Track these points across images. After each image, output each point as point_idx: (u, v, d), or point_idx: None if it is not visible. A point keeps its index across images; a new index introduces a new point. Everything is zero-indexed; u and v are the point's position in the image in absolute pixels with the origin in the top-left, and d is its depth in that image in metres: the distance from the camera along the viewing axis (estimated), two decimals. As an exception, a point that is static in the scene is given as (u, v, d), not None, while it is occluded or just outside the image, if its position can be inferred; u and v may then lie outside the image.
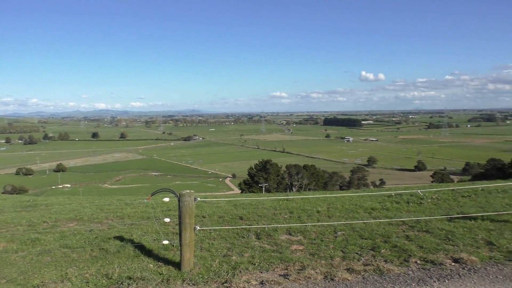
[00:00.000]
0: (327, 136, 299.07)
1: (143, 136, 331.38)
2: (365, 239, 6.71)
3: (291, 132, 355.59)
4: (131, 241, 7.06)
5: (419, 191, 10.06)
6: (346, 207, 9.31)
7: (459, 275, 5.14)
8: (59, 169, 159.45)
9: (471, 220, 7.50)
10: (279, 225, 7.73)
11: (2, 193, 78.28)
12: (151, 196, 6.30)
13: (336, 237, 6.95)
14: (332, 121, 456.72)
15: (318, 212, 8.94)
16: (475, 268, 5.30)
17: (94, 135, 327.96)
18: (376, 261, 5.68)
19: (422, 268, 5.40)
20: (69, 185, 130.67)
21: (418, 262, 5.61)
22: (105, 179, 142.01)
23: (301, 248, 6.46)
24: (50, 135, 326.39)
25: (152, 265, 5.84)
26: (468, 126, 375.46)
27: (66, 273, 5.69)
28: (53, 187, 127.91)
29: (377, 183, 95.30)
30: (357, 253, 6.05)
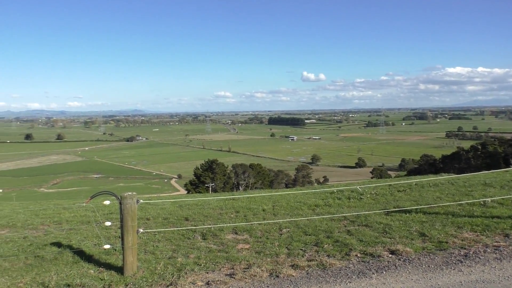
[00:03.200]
0: (272, 135, 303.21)
1: (82, 137, 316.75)
2: (309, 235, 6.89)
3: (237, 132, 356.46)
4: (70, 247, 6.74)
5: (358, 187, 10.48)
6: (291, 205, 9.50)
7: (395, 266, 5.43)
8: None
9: (406, 213, 7.93)
10: (225, 225, 7.73)
11: None
12: (90, 199, 6.05)
13: (281, 234, 7.07)
14: (276, 121, 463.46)
15: (263, 210, 9.04)
16: (410, 259, 5.63)
17: (28, 136, 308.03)
18: (319, 256, 5.84)
19: (362, 261, 5.64)
20: (0, 190, 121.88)
21: (358, 255, 5.86)
22: (41, 183, 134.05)
23: (247, 246, 6.50)
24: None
25: (93, 271, 5.61)
26: (403, 124, 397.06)
27: (-3, 284, 5.33)
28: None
29: (321, 180, 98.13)
30: (301, 249, 6.19)
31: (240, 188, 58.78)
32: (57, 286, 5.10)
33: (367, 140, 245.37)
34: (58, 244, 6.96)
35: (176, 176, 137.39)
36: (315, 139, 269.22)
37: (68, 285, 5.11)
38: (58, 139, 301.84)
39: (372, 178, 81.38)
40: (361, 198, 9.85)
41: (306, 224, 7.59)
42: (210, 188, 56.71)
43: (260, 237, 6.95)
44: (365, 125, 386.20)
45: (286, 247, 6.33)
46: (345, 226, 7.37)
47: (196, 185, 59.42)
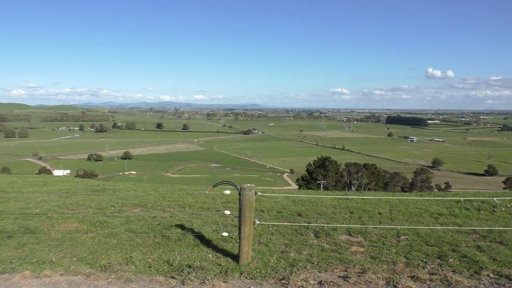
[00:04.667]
0: (390, 135, 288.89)
1: (204, 128, 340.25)
2: (431, 246, 6.35)
3: (352, 130, 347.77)
4: (192, 230, 7.23)
5: (495, 198, 9.35)
6: (410, 211, 8.88)
7: (539, 293, 4.69)
8: (126, 156, 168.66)
9: (553, 234, 6.83)
10: (338, 225, 7.55)
11: (75, 176, 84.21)
12: (212, 187, 6.41)
13: (399, 241, 6.65)
14: (395, 120, 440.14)
15: (379, 213, 8.61)
16: (558, 288, 4.81)
17: (159, 125, 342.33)
18: (443, 270, 5.34)
19: (496, 283, 4.99)
20: (134, 172, 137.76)
21: (491, 275, 5.20)
22: (168, 168, 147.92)
23: (361, 250, 6.25)
24: (119, 124, 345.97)
25: (211, 256, 5.94)
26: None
27: (130, 256, 5.96)
28: (120, 173, 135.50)
29: (442, 186, 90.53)
30: (422, 260, 5.73)
31: (352, 187, 57.25)
32: (180, 266, 5.52)
33: (501, 146, 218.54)
34: (182, 227, 7.53)
35: (288, 171, 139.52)
36: (438, 141, 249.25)
37: (189, 266, 5.48)
38: (183, 129, 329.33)
39: (504, 188, 72.39)
40: (494, 211, 8.76)
41: (428, 233, 7.02)
42: (322, 185, 56.33)
43: (376, 242, 6.63)
44: (499, 128, 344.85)
45: (405, 256, 5.92)
46: (474, 241, 6.63)
47: (307, 181, 59.52)
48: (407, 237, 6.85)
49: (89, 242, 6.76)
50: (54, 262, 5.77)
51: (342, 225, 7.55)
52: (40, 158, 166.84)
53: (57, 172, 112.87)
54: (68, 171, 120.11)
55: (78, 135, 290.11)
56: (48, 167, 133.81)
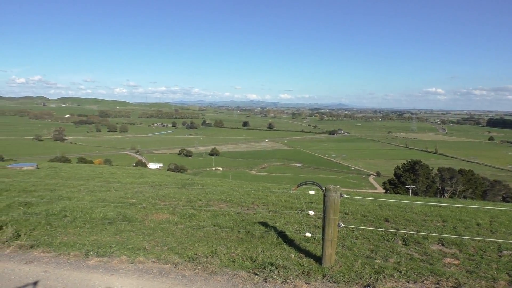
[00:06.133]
0: (491, 139, 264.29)
1: (289, 128, 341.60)
2: (540, 264, 5.66)
3: (446, 132, 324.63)
4: (275, 229, 7.27)
5: None
6: (515, 223, 8.01)
7: None
8: (213, 153, 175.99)
9: None
10: (430, 234, 7.06)
11: (167, 170, 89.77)
12: (297, 187, 6.37)
13: (500, 256, 6.03)
14: (497, 123, 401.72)
15: (478, 224, 7.89)
16: None
17: (245, 123, 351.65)
18: (554, 293, 4.73)
19: None
20: (220, 168, 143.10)
21: None
22: (252, 166, 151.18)
23: (456, 262, 5.78)
24: (208, 121, 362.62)
25: (293, 255, 5.92)
26: None
27: (216, 249, 6.16)
28: (207, 168, 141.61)
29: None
30: (528, 280, 5.13)
31: (445, 195, 53.43)
32: (263, 263, 5.57)
33: None
34: (265, 224, 7.61)
35: (374, 173, 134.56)
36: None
37: (272, 264, 5.51)
38: (268, 127, 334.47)
39: None
40: None
41: (536, 250, 6.27)
42: (411, 191, 53.41)
43: (473, 255, 6.08)
44: None
45: (507, 273, 5.34)
46: None
47: (395, 185, 56.87)
48: (510, 252, 6.19)
49: (178, 233, 7.12)
50: (147, 250, 6.18)
51: (434, 234, 7.05)
52: (137, 152, 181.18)
53: (151, 165, 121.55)
54: (161, 165, 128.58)
55: (170, 131, 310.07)
56: (144, 160, 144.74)
